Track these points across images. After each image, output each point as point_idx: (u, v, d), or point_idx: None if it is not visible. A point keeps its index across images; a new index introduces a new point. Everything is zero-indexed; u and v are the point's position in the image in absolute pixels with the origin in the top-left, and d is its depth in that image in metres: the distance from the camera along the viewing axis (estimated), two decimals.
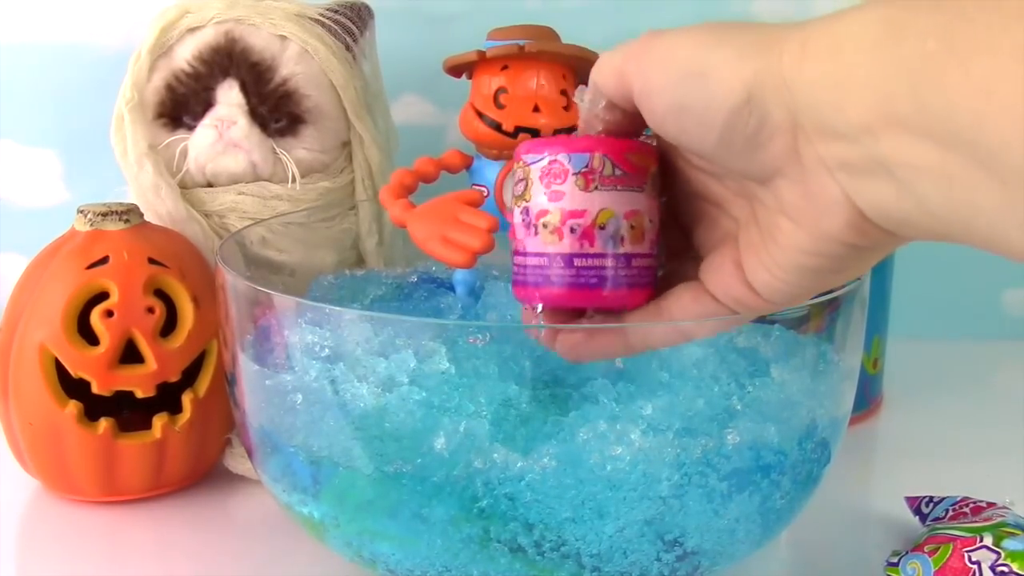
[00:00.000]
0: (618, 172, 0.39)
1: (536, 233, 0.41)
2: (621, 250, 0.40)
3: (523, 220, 0.41)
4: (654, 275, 0.41)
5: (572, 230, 0.40)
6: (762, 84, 0.34)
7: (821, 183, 0.34)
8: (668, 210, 0.43)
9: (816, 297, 0.50)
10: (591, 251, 0.40)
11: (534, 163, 0.41)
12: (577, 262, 0.40)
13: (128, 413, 0.59)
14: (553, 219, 0.40)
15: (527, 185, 0.41)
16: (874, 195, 0.33)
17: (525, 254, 0.41)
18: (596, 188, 0.40)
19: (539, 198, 0.40)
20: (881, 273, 0.73)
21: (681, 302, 0.41)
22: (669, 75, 0.36)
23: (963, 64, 0.29)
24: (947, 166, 0.30)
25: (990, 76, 0.28)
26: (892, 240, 0.35)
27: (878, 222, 0.34)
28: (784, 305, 0.39)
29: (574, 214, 0.40)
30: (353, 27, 0.68)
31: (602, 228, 0.40)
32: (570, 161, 0.40)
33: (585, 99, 0.40)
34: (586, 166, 0.40)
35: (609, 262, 0.40)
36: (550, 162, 0.40)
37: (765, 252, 0.37)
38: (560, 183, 0.40)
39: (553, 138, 0.41)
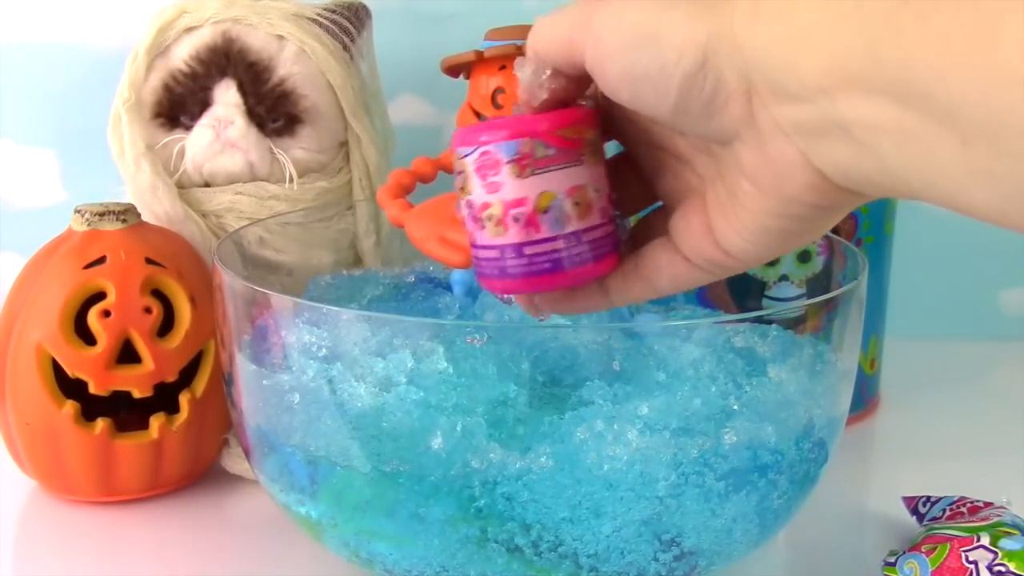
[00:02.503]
0: (551, 152, 0.38)
1: (483, 227, 0.40)
2: (570, 228, 0.39)
3: (469, 214, 0.40)
4: (613, 240, 0.40)
5: (516, 219, 0.39)
6: (715, 47, 0.33)
7: (778, 146, 0.34)
8: (627, 160, 0.42)
9: (813, 298, 0.50)
10: (539, 237, 0.39)
11: (467, 156, 0.39)
12: (527, 250, 0.39)
13: (125, 413, 0.59)
14: (496, 211, 0.39)
15: (466, 178, 0.40)
16: (832, 156, 0.32)
17: (478, 247, 0.40)
18: (532, 173, 0.38)
19: (478, 191, 0.39)
20: (878, 273, 0.73)
21: (657, 263, 0.40)
22: (620, 40, 0.35)
23: (921, 17, 0.28)
24: (905, 124, 0.30)
25: (948, 28, 0.28)
26: (855, 198, 0.35)
27: (838, 182, 0.33)
28: (753, 265, 0.38)
29: (515, 203, 0.39)
30: (350, 27, 0.68)
31: (545, 212, 0.38)
32: (501, 151, 0.38)
33: (526, 70, 0.39)
34: (517, 153, 0.38)
35: (560, 244, 0.39)
36: (481, 154, 0.39)
37: (732, 213, 0.37)
38: (495, 174, 0.39)
39: (481, 126, 0.39)
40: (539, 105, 0.39)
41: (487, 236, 0.39)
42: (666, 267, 0.40)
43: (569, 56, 0.37)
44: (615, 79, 0.36)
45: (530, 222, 0.39)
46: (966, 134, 0.28)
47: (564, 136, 0.38)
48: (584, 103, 0.40)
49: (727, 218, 0.37)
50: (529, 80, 0.39)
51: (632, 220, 0.44)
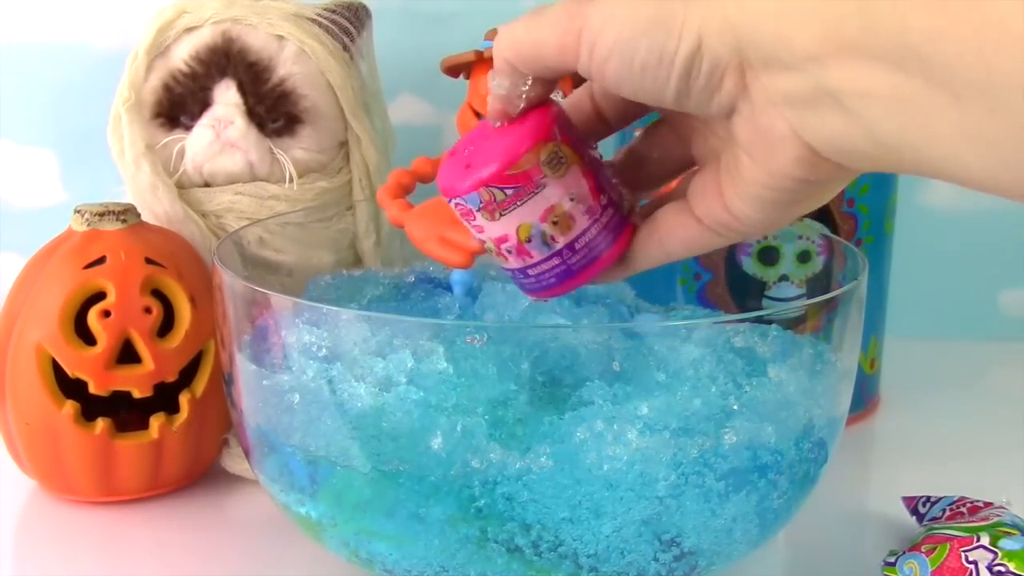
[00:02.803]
0: (509, 192, 0.39)
1: (493, 255, 0.42)
2: (558, 246, 0.41)
3: (480, 245, 0.43)
4: (615, 224, 0.41)
5: (509, 251, 0.41)
6: (707, 28, 0.34)
7: (769, 119, 0.34)
8: (665, 124, 0.43)
9: (813, 298, 0.50)
10: (533, 261, 0.41)
11: (450, 203, 0.41)
12: (531, 272, 0.42)
13: (125, 413, 0.59)
14: (491, 246, 0.42)
15: (460, 218, 0.42)
16: (821, 127, 0.33)
17: (502, 268, 0.43)
18: (501, 215, 0.40)
19: (473, 231, 0.42)
20: (878, 273, 0.73)
21: (669, 224, 0.41)
22: (616, 35, 0.35)
23: None
24: (898, 89, 0.29)
25: None
26: (845, 172, 0.35)
27: (828, 155, 0.34)
28: (759, 231, 0.39)
29: (500, 240, 0.41)
30: (350, 27, 0.68)
31: (529, 241, 0.40)
32: (467, 202, 0.40)
33: (505, 83, 0.39)
34: (481, 201, 0.40)
35: (555, 261, 0.41)
36: (456, 204, 0.41)
37: (736, 179, 0.37)
38: (474, 219, 0.41)
39: (448, 173, 0.41)
40: (516, 114, 0.40)
41: (499, 262, 0.43)
42: (679, 230, 0.40)
43: (559, 61, 0.37)
44: (616, 75, 0.36)
45: (520, 251, 0.41)
46: (961, 96, 0.28)
47: (516, 173, 0.39)
48: (551, 101, 0.41)
49: (733, 183, 0.37)
50: (508, 92, 0.39)
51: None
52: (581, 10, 0.36)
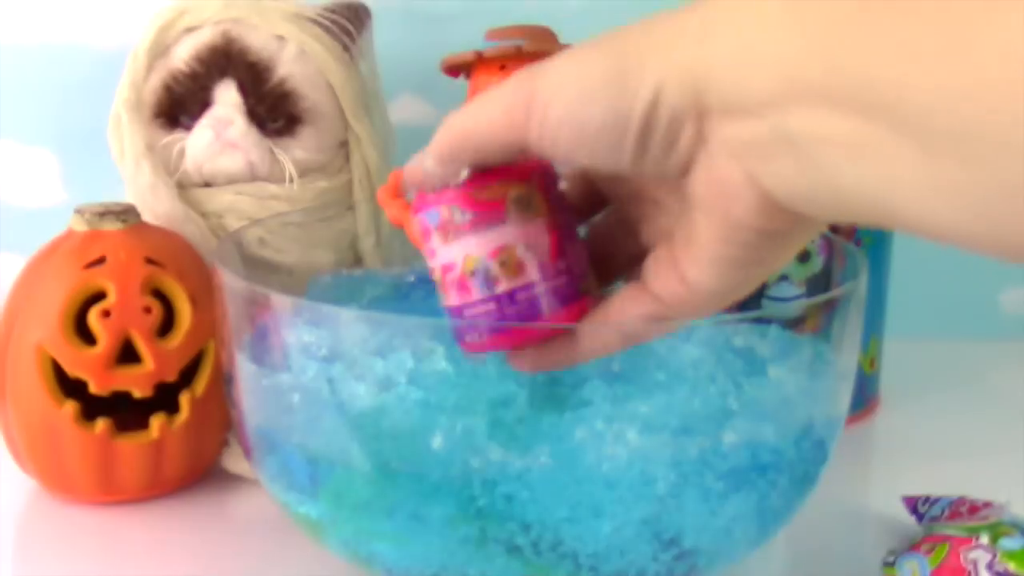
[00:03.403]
0: (468, 216, 0.38)
1: (436, 290, 0.41)
2: (499, 290, 0.39)
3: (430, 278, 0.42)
4: (563, 294, 0.40)
5: (452, 284, 0.40)
6: (665, 78, 0.33)
7: (727, 168, 0.33)
8: (616, 215, 0.42)
9: (813, 297, 0.50)
10: (472, 300, 0.39)
11: (414, 225, 0.41)
12: (466, 313, 0.40)
13: (125, 413, 0.59)
14: (437, 276, 0.40)
15: (419, 240, 0.41)
16: (779, 175, 0.32)
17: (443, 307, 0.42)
18: (455, 238, 0.39)
19: (428, 258, 0.41)
20: (878, 273, 0.73)
21: (624, 305, 0.40)
22: (569, 102, 0.34)
23: (880, 24, 0.27)
24: (861, 136, 0.28)
25: (913, 35, 0.27)
26: (804, 223, 0.34)
27: (786, 204, 0.32)
28: (716, 303, 0.38)
29: (446, 268, 0.40)
30: (350, 27, 0.68)
31: (472, 275, 0.39)
32: (427, 219, 0.39)
33: (436, 173, 0.39)
34: (439, 220, 0.39)
35: (491, 306, 0.39)
36: (419, 223, 0.40)
37: (691, 246, 0.36)
38: (429, 242, 0.40)
39: (420, 194, 0.40)
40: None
41: (442, 299, 0.41)
42: (633, 307, 0.39)
43: (509, 140, 0.36)
44: (569, 142, 0.35)
45: (462, 286, 0.39)
46: (932, 146, 0.27)
47: (481, 198, 0.38)
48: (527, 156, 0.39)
49: (688, 250, 0.36)
50: (437, 181, 0.39)
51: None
52: (528, 83, 0.35)
